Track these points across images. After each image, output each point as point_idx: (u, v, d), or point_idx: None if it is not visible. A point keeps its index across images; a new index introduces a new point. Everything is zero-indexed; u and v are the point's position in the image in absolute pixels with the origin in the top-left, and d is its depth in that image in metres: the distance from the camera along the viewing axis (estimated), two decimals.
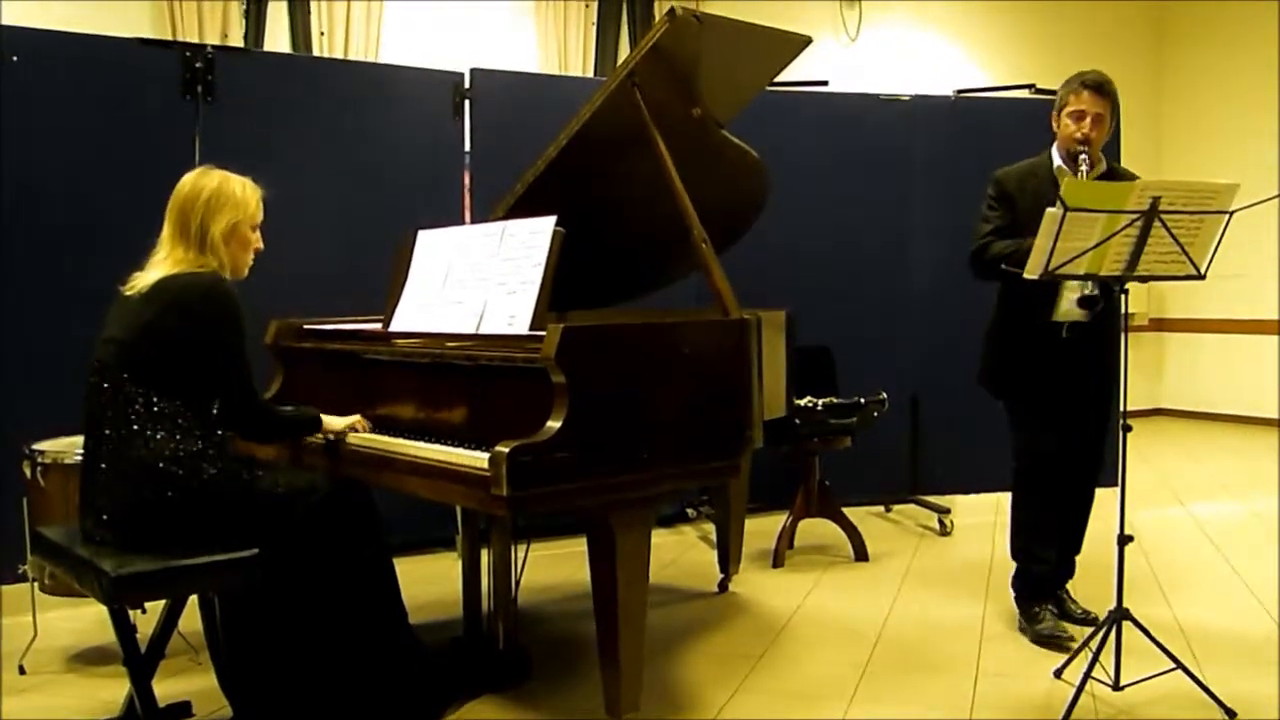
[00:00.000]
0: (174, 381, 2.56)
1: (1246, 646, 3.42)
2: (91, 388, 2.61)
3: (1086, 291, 3.20)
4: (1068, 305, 3.35)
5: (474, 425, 2.71)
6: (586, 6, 7.53)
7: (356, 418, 2.91)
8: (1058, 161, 3.43)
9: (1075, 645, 3.26)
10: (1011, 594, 3.63)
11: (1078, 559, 3.69)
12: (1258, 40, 8.40)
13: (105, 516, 2.56)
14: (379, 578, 2.74)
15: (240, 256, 2.76)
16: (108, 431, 2.56)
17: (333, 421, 2.87)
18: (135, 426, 2.53)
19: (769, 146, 3.71)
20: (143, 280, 2.63)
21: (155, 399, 2.54)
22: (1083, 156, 3.30)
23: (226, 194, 2.71)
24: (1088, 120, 3.33)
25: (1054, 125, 3.46)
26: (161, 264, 2.66)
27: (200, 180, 2.72)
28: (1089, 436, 3.52)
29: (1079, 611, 3.61)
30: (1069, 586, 3.69)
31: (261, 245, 2.82)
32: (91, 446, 2.62)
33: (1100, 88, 3.35)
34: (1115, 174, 3.41)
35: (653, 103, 3.05)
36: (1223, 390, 8.86)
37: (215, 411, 2.64)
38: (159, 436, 2.52)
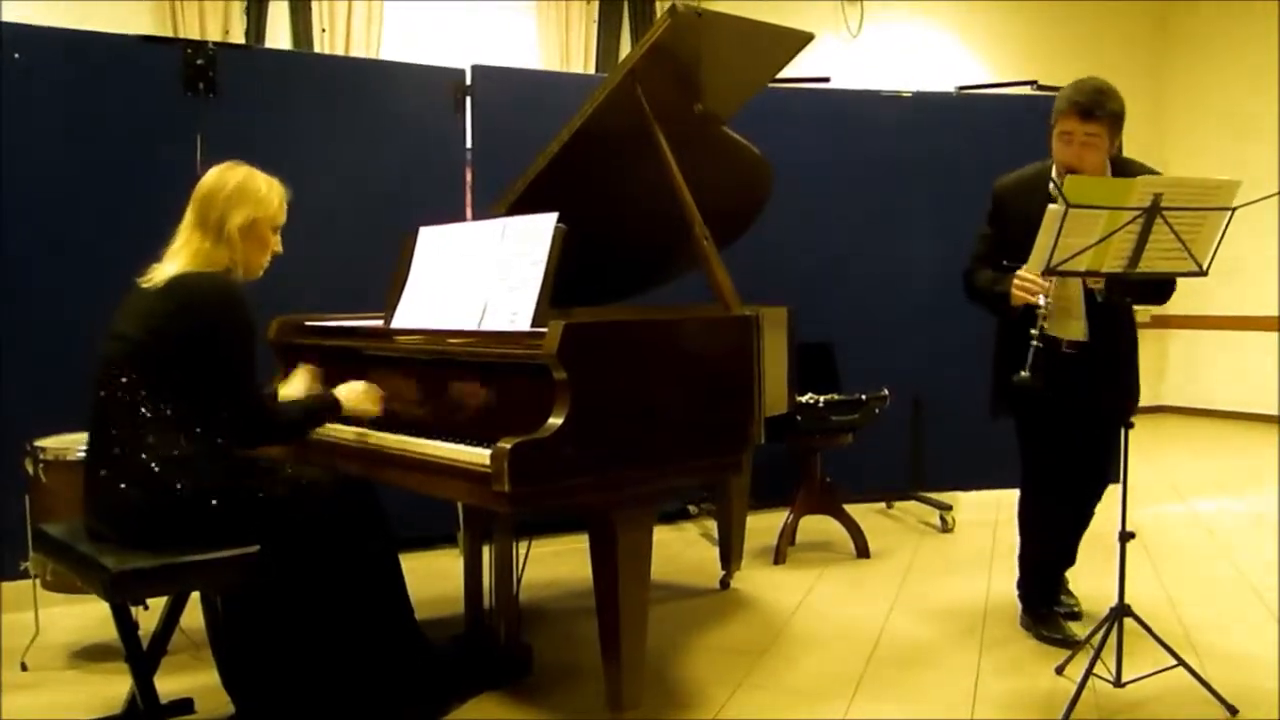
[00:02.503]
0: (179, 383, 2.54)
1: (1248, 643, 3.42)
2: (98, 383, 2.59)
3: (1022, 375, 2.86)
4: (1064, 322, 3.23)
5: (476, 421, 2.71)
6: (588, 3, 7.53)
7: (371, 387, 2.87)
8: (1055, 174, 3.21)
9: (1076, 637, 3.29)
10: (1016, 593, 3.62)
11: (1079, 555, 3.70)
12: (1259, 37, 8.39)
13: (108, 515, 2.56)
14: (384, 574, 2.73)
15: (256, 256, 2.73)
16: (114, 431, 2.55)
17: (347, 393, 2.83)
18: (139, 427, 2.52)
19: (770, 143, 3.71)
20: (159, 273, 2.61)
21: (160, 399, 2.53)
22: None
23: (250, 189, 2.69)
24: (1074, 145, 3.10)
25: (1048, 137, 3.24)
26: (178, 254, 2.64)
27: (226, 173, 2.70)
28: (1095, 445, 3.41)
29: (1070, 605, 3.62)
30: (1067, 576, 3.71)
31: (280, 249, 2.79)
32: (95, 444, 2.62)
33: (1088, 112, 3.05)
34: (1124, 173, 3.15)
35: (654, 99, 3.05)
36: (1224, 387, 8.86)
37: (220, 414, 2.60)
38: (163, 437, 2.51)
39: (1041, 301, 2.95)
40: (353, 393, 2.85)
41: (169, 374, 2.54)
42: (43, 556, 2.96)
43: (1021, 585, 3.60)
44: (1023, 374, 2.84)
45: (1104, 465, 3.46)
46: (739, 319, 2.91)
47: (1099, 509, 3.56)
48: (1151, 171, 3.21)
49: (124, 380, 2.55)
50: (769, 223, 3.92)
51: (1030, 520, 3.54)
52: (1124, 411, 3.09)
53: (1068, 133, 3.12)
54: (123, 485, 2.52)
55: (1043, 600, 3.54)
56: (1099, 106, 3.07)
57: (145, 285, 2.61)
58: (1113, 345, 3.27)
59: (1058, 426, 3.36)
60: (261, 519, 2.55)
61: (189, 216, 2.68)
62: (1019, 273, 3.01)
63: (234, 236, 2.65)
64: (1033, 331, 2.88)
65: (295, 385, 3.07)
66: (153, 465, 2.49)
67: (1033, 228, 2.79)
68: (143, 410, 2.52)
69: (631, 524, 2.61)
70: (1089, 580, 3.70)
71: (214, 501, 2.52)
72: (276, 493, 2.61)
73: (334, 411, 2.81)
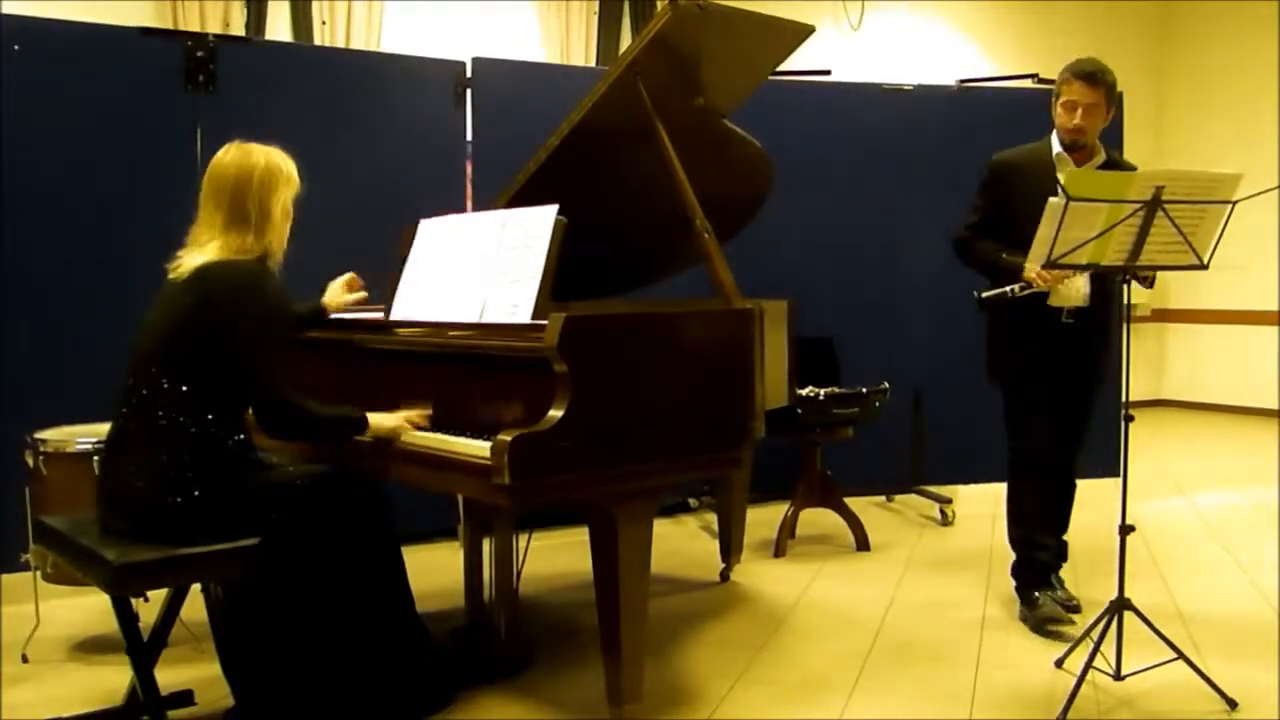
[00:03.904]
0: (203, 374, 2.52)
1: (1247, 636, 3.42)
2: (129, 374, 2.58)
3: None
4: (1066, 290, 3.37)
5: (476, 415, 2.71)
6: None
7: (406, 414, 2.74)
8: (1057, 148, 3.45)
9: (1074, 630, 3.31)
10: (1012, 582, 3.64)
11: (1070, 547, 3.75)
12: (1260, 32, 8.38)
13: (121, 507, 2.55)
14: (386, 567, 2.73)
15: (286, 232, 2.69)
16: (133, 423, 2.55)
17: (381, 420, 2.71)
18: (156, 419, 2.51)
19: (771, 136, 3.70)
20: (187, 263, 2.56)
21: (180, 392, 2.51)
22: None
23: (275, 169, 2.62)
24: (1079, 111, 3.34)
25: (1052, 113, 3.47)
26: (208, 248, 2.57)
27: (246, 159, 2.61)
28: (1074, 423, 3.56)
29: (1062, 598, 3.63)
30: (1062, 576, 3.74)
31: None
32: (114, 436, 2.61)
33: (1091, 77, 3.33)
34: (1115, 165, 3.41)
35: (655, 92, 3.04)
36: (1224, 381, 8.86)
37: (242, 405, 2.59)
38: (178, 430, 2.50)
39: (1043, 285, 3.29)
40: (385, 419, 2.72)
41: (191, 364, 2.51)
42: (43, 548, 2.96)
43: (1015, 570, 3.66)
44: (981, 294, 3.36)
45: (1081, 431, 3.59)
46: (739, 313, 2.90)
47: (1099, 503, 3.58)
48: None
49: (152, 371, 2.54)
50: (770, 216, 3.91)
51: (1018, 503, 3.61)
52: (1098, 383, 3.51)
53: (1072, 100, 3.36)
54: (136, 478, 2.52)
55: (1035, 584, 3.57)
56: (1100, 74, 3.36)
57: (173, 275, 2.58)
58: (1104, 314, 3.45)
59: (1047, 396, 3.47)
60: (265, 512, 2.55)
61: (216, 213, 2.59)
62: (1043, 273, 3.17)
63: (278, 222, 2.61)
64: (1016, 286, 3.29)
65: (333, 291, 3.12)
66: (165, 458, 2.49)
67: (1039, 200, 2.92)
68: (161, 402, 2.51)
69: (632, 517, 2.61)
70: (1089, 574, 3.71)
71: (220, 495, 2.52)
72: (281, 481, 2.61)
73: (360, 429, 2.70)
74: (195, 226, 2.63)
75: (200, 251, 2.58)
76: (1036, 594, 3.53)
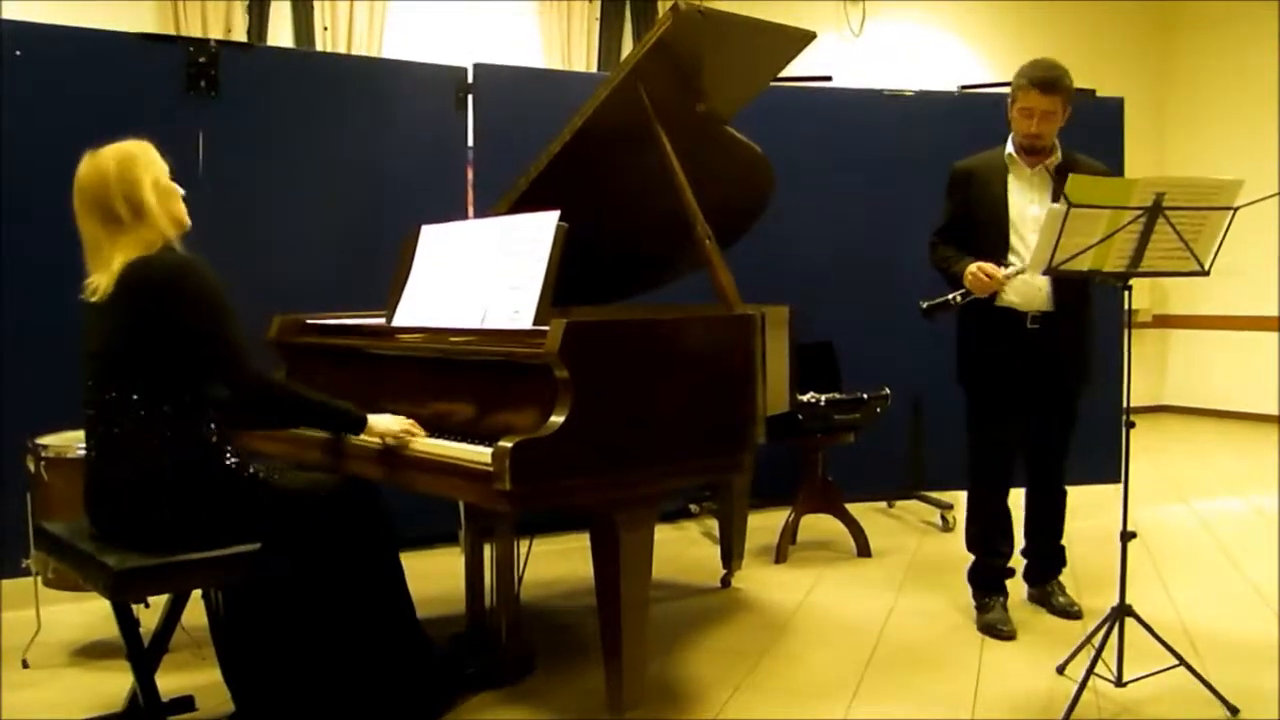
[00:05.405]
0: (164, 380, 2.50)
1: (1249, 643, 3.42)
2: (86, 404, 2.57)
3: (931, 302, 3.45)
4: (1025, 293, 3.42)
5: (477, 420, 2.71)
6: (590, 2, 7.53)
7: (410, 423, 2.71)
8: (1009, 149, 3.49)
9: (1015, 634, 3.42)
10: (969, 587, 3.68)
11: (1071, 553, 3.76)
12: (1261, 36, 8.39)
13: (108, 518, 2.55)
14: (386, 573, 2.73)
15: (175, 207, 2.63)
16: (104, 434, 2.54)
17: (386, 424, 2.69)
18: (132, 429, 2.50)
19: (772, 142, 3.70)
20: (101, 283, 2.49)
21: (149, 401, 2.49)
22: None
23: (128, 159, 2.55)
24: (1035, 118, 3.36)
25: (1007, 116, 3.49)
26: (109, 258, 2.50)
27: (97, 164, 2.54)
28: (1053, 429, 3.57)
29: (1063, 604, 3.64)
30: (1060, 578, 3.76)
31: (182, 189, 2.68)
32: (93, 447, 2.61)
33: (1046, 85, 3.33)
34: (1074, 164, 3.38)
35: (656, 98, 3.05)
36: (1225, 387, 8.86)
37: (216, 400, 2.57)
38: (157, 436, 2.49)
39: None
40: (383, 422, 2.70)
41: (149, 374, 2.49)
42: (44, 554, 2.96)
43: (970, 573, 3.68)
44: (923, 304, 3.44)
45: (1063, 439, 3.60)
46: (740, 318, 2.91)
47: (1100, 509, 3.57)
48: (1102, 169, 3.43)
49: (105, 392, 2.52)
50: (771, 221, 3.91)
51: (976, 507, 3.63)
52: (1077, 393, 3.50)
53: (1028, 108, 3.37)
54: (120, 485, 2.51)
55: (987, 588, 3.61)
56: (1057, 81, 3.34)
57: (93, 299, 2.51)
58: (1073, 320, 3.45)
59: (1009, 401, 3.50)
60: (264, 518, 2.55)
61: (96, 226, 2.52)
62: (983, 268, 3.33)
63: (153, 206, 2.53)
64: (957, 294, 3.39)
65: None
66: (147, 464, 2.49)
67: (990, 204, 3.27)
68: (140, 413, 2.50)
69: (633, 523, 2.61)
70: (1090, 581, 3.70)
71: (213, 496, 2.52)
72: (279, 488, 2.61)
73: (356, 427, 2.69)
74: (87, 254, 2.56)
75: (103, 267, 2.51)
76: (988, 599, 3.59)
